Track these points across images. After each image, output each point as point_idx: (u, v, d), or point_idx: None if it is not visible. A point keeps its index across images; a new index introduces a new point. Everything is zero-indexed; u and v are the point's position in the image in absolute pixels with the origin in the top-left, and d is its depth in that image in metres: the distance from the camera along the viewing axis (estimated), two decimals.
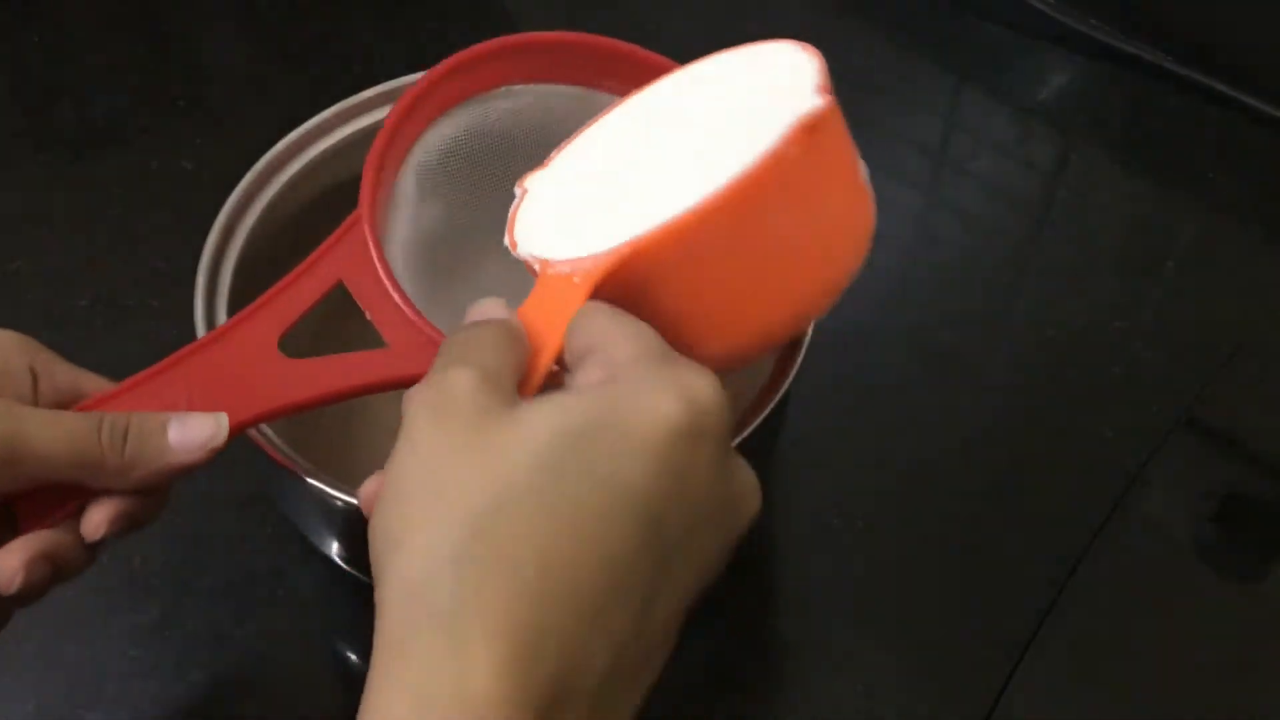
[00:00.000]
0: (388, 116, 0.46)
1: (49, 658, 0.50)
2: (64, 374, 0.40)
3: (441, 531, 0.28)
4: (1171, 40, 0.74)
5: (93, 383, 0.40)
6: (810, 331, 0.46)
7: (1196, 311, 0.63)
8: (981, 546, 0.54)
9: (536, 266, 0.36)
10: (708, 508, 0.30)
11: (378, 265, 0.42)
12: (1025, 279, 0.65)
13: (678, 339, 0.33)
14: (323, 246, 0.43)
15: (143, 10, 0.79)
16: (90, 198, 0.67)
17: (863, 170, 0.38)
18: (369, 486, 0.34)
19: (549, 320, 0.34)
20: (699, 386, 0.30)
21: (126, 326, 0.61)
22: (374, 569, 0.29)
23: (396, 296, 0.42)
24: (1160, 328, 0.62)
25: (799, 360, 0.45)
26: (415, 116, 0.47)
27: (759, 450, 0.53)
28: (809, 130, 0.33)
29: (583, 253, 0.35)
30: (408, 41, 0.76)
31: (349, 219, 0.44)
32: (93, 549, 0.38)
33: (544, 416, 0.29)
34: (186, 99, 0.73)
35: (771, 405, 0.44)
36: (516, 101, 0.50)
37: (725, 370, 0.33)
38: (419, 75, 0.54)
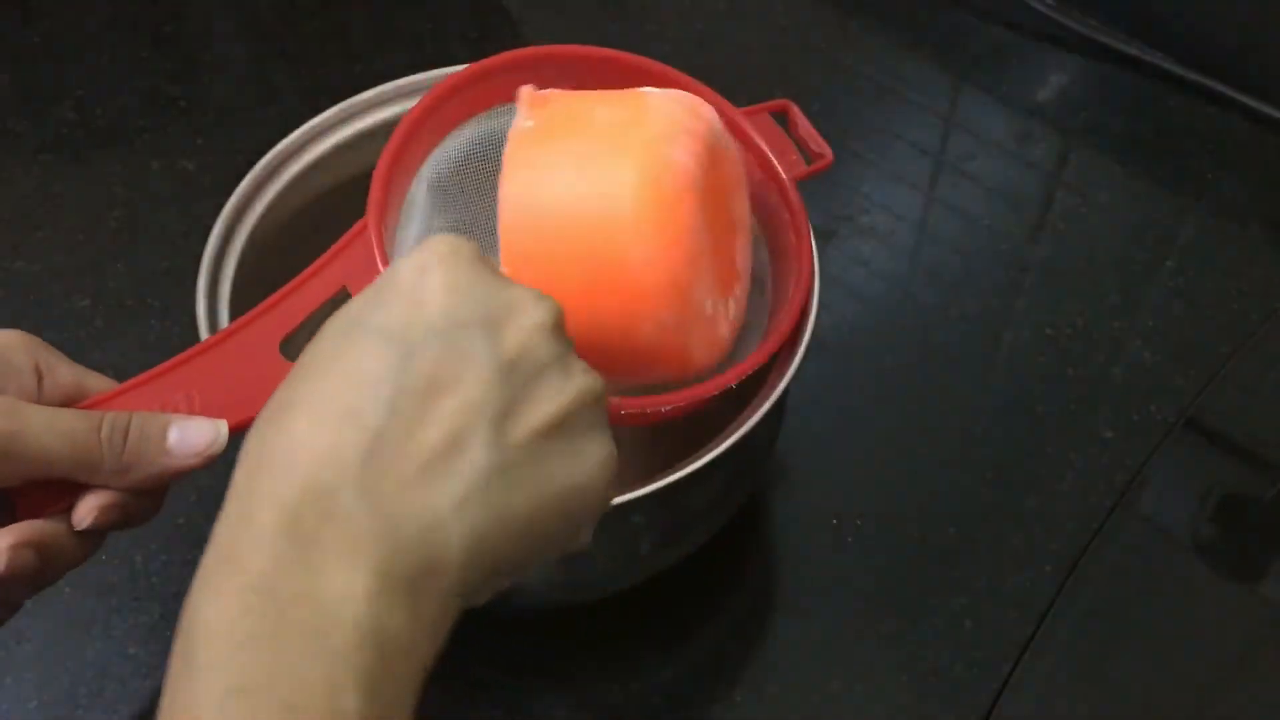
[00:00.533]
0: (397, 128, 0.46)
1: (49, 657, 0.50)
2: (68, 372, 0.40)
3: (263, 409, 0.32)
4: (1171, 40, 0.74)
5: (97, 381, 0.41)
6: (809, 331, 0.46)
7: (1196, 311, 0.63)
8: (981, 546, 0.54)
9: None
10: (459, 320, 0.32)
11: (381, 269, 0.43)
12: (1025, 279, 0.65)
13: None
14: (329, 252, 0.44)
15: (143, 10, 0.79)
16: (90, 198, 0.67)
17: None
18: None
19: None
20: (435, 239, 0.33)
21: (127, 326, 0.61)
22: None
23: None
24: (1160, 328, 0.62)
25: (798, 360, 0.45)
26: (428, 128, 0.47)
27: (758, 450, 0.53)
28: None
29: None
30: (408, 42, 0.76)
31: (355, 227, 0.44)
32: (86, 542, 0.38)
33: (336, 312, 0.33)
34: (186, 99, 0.73)
35: (770, 405, 0.44)
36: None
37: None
38: (420, 75, 0.54)
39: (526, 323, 0.32)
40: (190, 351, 0.41)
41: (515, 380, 0.32)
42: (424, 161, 0.48)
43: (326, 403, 0.31)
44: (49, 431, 0.37)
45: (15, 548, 0.36)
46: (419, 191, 0.48)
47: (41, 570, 0.37)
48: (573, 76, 0.47)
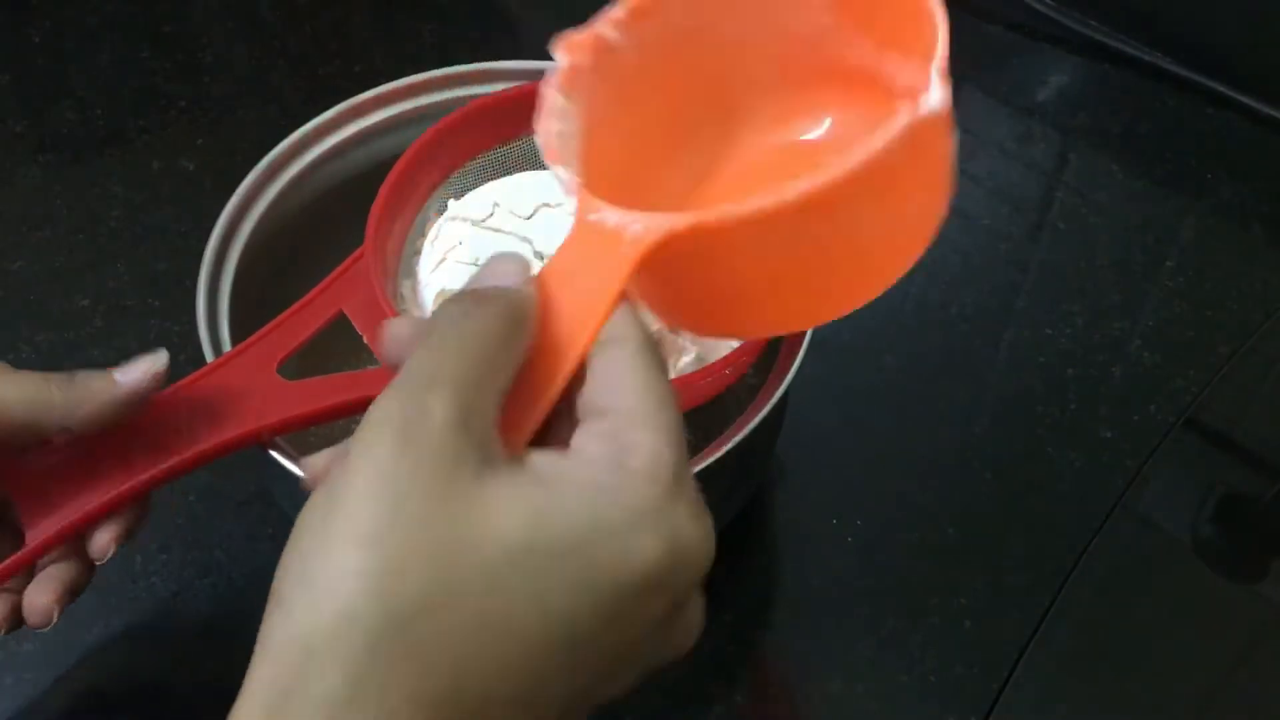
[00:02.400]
0: (398, 162, 0.48)
1: (49, 657, 0.50)
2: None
3: (366, 601, 0.25)
4: (1171, 40, 0.74)
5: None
6: (809, 332, 0.46)
7: (1196, 311, 0.63)
8: (981, 546, 0.54)
9: (574, 194, 0.30)
10: (642, 651, 0.29)
11: (379, 297, 0.44)
12: (1025, 279, 0.65)
13: (703, 315, 0.32)
14: (327, 279, 0.45)
15: (143, 10, 0.79)
16: (91, 198, 0.67)
17: (952, 159, 0.32)
18: (319, 461, 0.31)
19: (578, 295, 0.29)
20: (690, 537, 0.28)
21: (128, 326, 0.61)
22: (279, 578, 0.26)
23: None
24: (1160, 328, 0.62)
25: (798, 360, 0.45)
26: (430, 160, 0.49)
27: (758, 450, 0.53)
28: (920, 131, 0.29)
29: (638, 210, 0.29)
30: (408, 42, 0.76)
31: (353, 254, 0.46)
32: (92, 567, 0.41)
33: (515, 518, 0.26)
34: (186, 99, 0.73)
35: (770, 405, 0.44)
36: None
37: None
38: (420, 76, 0.54)
39: (687, 646, 0.30)
40: (193, 376, 0.42)
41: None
42: (429, 195, 0.50)
43: (487, 703, 0.26)
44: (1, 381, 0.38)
45: (60, 600, 0.39)
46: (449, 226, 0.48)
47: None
48: None
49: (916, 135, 0.28)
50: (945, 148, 0.31)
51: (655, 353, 0.30)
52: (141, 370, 0.39)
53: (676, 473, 0.28)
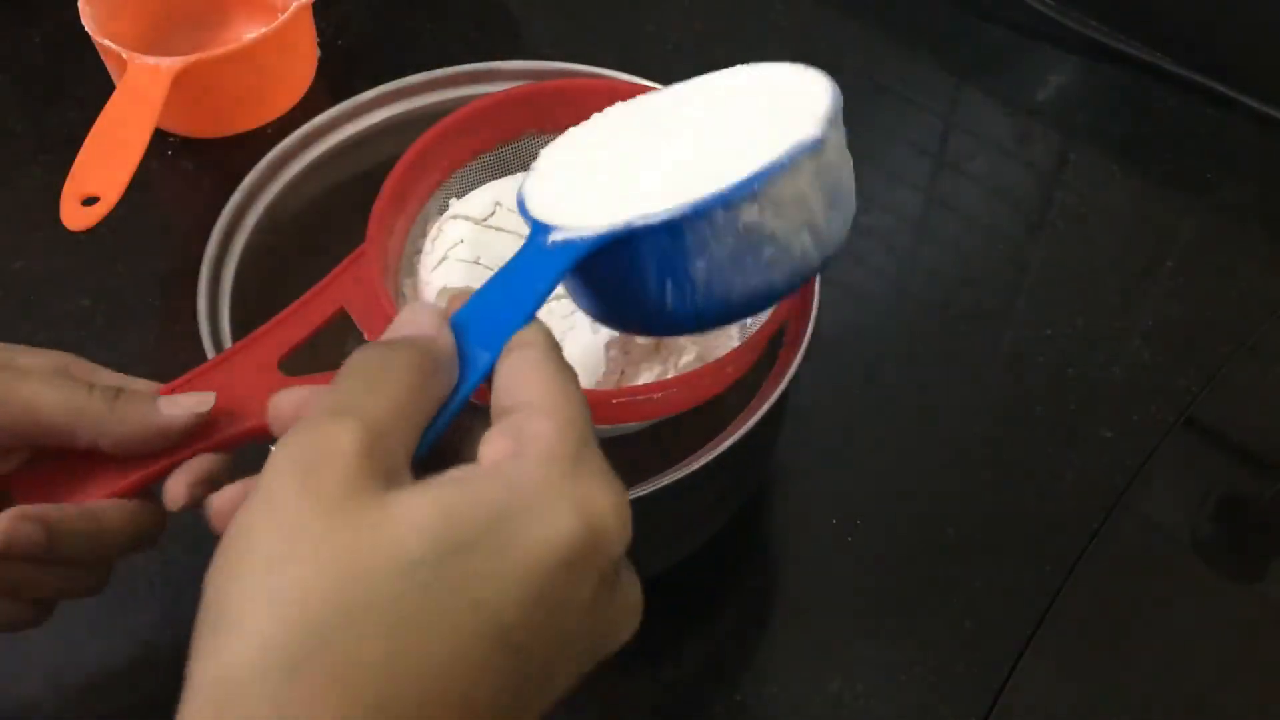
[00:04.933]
0: (398, 162, 0.48)
1: (49, 657, 0.50)
2: (106, 378, 0.41)
3: (281, 628, 0.25)
4: (1171, 40, 0.74)
5: (142, 387, 0.41)
6: (810, 331, 0.46)
7: (1196, 311, 0.63)
8: (981, 546, 0.54)
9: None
10: (580, 635, 0.28)
11: (380, 293, 0.44)
12: (1025, 279, 0.65)
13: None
14: (328, 276, 0.45)
15: None
16: None
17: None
18: (226, 495, 0.31)
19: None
20: (602, 508, 0.28)
21: (127, 326, 0.61)
22: (199, 619, 0.26)
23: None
24: (1160, 328, 0.62)
25: (798, 360, 0.45)
26: (431, 160, 0.49)
27: (758, 450, 0.53)
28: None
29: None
30: (408, 42, 0.76)
31: (354, 252, 0.45)
32: (96, 524, 0.38)
33: (423, 518, 0.26)
34: None
35: (770, 405, 0.44)
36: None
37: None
38: (420, 75, 0.54)
39: (630, 631, 0.30)
40: (193, 372, 0.42)
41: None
42: (431, 193, 0.50)
43: (425, 706, 0.25)
44: (39, 384, 0.37)
45: (18, 519, 0.36)
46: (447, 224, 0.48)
47: (49, 548, 0.37)
48: (580, 103, 0.48)
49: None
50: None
51: (559, 354, 0.32)
52: (186, 407, 0.38)
53: (577, 450, 0.29)
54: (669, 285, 0.35)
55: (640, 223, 0.34)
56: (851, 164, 0.38)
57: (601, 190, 0.37)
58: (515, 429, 0.29)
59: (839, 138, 0.36)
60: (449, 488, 0.27)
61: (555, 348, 0.32)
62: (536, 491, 0.27)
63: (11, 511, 0.37)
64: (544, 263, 0.35)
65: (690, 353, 0.47)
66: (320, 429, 0.28)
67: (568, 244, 0.35)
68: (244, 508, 0.27)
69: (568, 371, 0.31)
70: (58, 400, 0.37)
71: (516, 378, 0.31)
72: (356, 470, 0.27)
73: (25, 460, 0.39)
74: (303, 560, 0.25)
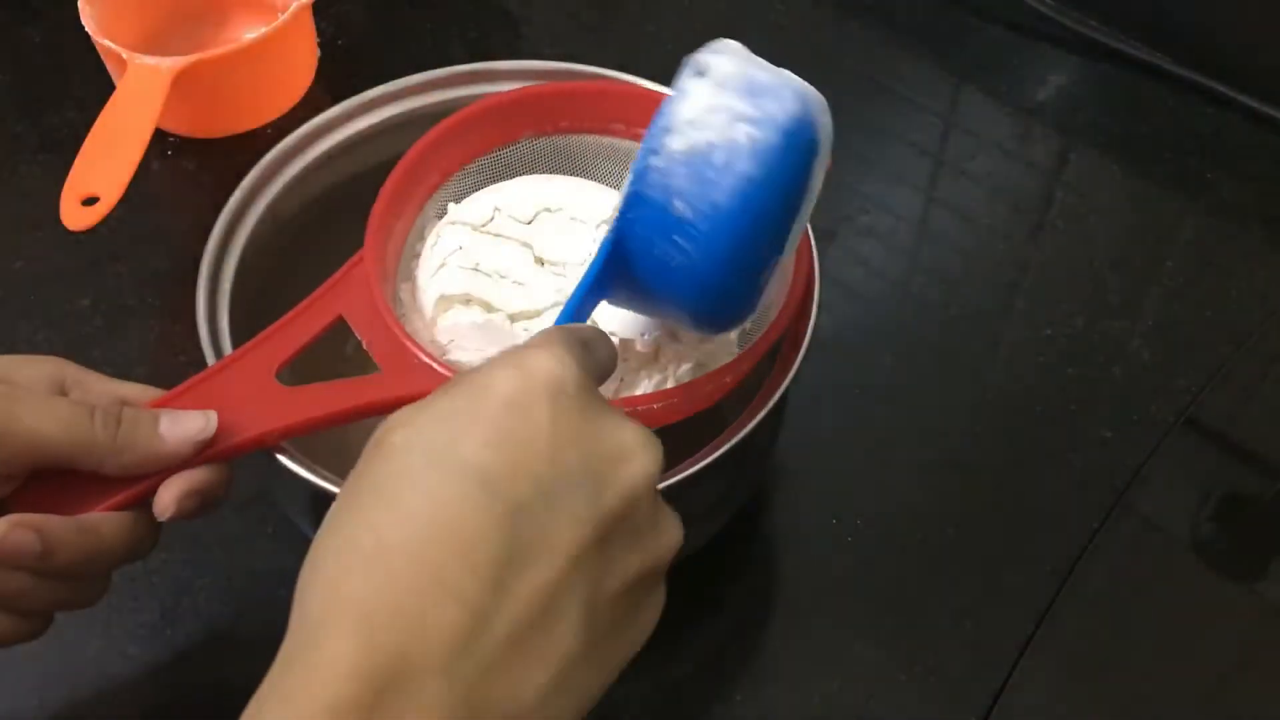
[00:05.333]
0: (397, 165, 0.48)
1: (49, 657, 0.50)
2: (101, 387, 0.41)
3: (328, 534, 0.30)
4: (1171, 40, 0.74)
5: (135, 392, 0.41)
6: (810, 331, 0.46)
7: (1196, 311, 0.63)
8: (981, 546, 0.54)
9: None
10: (566, 470, 0.29)
11: (378, 301, 0.44)
12: (1025, 279, 0.65)
13: None
14: (325, 284, 0.45)
15: None
16: None
17: None
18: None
19: None
20: (532, 357, 0.31)
21: (128, 326, 0.61)
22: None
23: (396, 330, 0.43)
24: (1160, 328, 0.62)
25: (798, 360, 0.45)
26: (429, 164, 0.49)
27: (758, 450, 0.53)
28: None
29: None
30: (408, 42, 0.76)
31: (352, 259, 0.45)
32: (91, 538, 0.39)
33: (405, 415, 0.31)
34: None
35: (770, 405, 0.44)
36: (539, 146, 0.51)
37: None
38: (420, 75, 0.54)
39: (633, 477, 0.30)
40: (190, 381, 0.42)
41: (613, 546, 0.30)
42: (428, 198, 0.50)
43: (418, 557, 0.28)
44: (42, 412, 0.37)
45: (14, 527, 0.36)
46: (443, 229, 0.48)
47: (45, 558, 0.37)
48: (580, 104, 0.48)
49: None
50: None
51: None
52: (188, 433, 0.39)
53: (515, 349, 0.32)
54: (675, 238, 0.37)
55: (616, 219, 0.38)
56: (765, 67, 0.40)
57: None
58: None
59: (733, 60, 0.39)
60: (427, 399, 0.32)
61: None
62: (476, 374, 0.31)
63: (8, 519, 0.37)
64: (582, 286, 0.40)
65: (690, 360, 0.47)
66: (554, 367, 0.32)
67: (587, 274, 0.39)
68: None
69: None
70: (61, 432, 0.37)
71: None
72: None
73: (25, 481, 0.39)
74: (346, 488, 0.31)
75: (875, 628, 0.52)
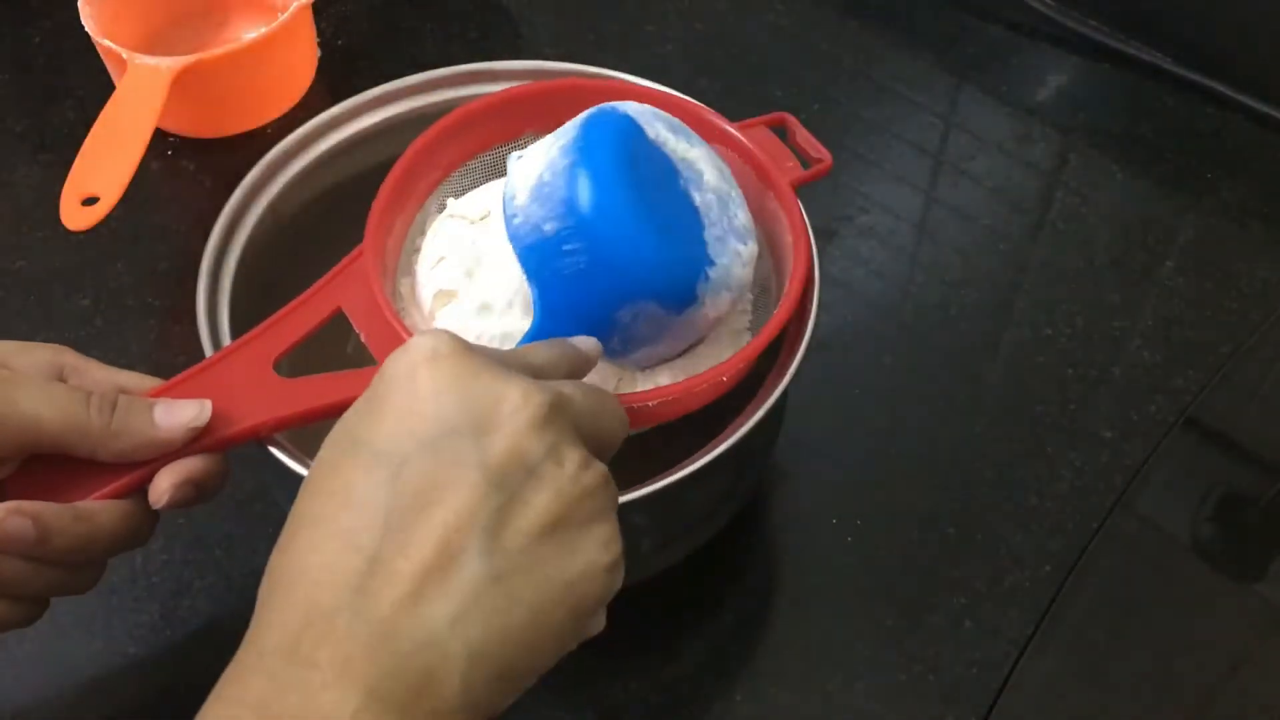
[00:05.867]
0: (397, 161, 0.48)
1: (49, 657, 0.50)
2: (100, 375, 0.41)
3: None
4: (1172, 40, 0.74)
5: (133, 381, 0.41)
6: (809, 331, 0.46)
7: (1196, 311, 0.63)
8: (981, 546, 0.54)
9: None
10: (446, 424, 0.32)
11: (378, 295, 0.44)
12: (1025, 279, 0.65)
13: None
14: (324, 277, 0.45)
15: None
16: None
17: None
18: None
19: None
20: (414, 339, 0.33)
21: (127, 326, 0.61)
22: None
23: (394, 322, 0.43)
24: (1160, 328, 0.62)
25: (797, 360, 0.45)
26: (429, 161, 0.49)
27: (758, 450, 0.53)
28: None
29: None
30: (408, 42, 0.76)
31: (352, 253, 0.46)
32: (86, 526, 0.39)
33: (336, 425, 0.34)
34: None
35: (770, 404, 0.44)
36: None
37: None
38: (420, 75, 0.54)
39: (516, 422, 0.32)
40: (188, 371, 0.42)
41: (508, 484, 0.31)
42: (430, 193, 0.50)
43: (324, 524, 0.31)
44: (38, 396, 0.38)
45: (10, 513, 0.37)
46: (440, 222, 0.48)
47: (41, 545, 0.37)
48: (580, 103, 0.48)
49: None
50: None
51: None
52: (183, 420, 0.39)
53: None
54: (569, 248, 0.42)
55: (532, 287, 0.43)
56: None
57: None
58: None
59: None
60: None
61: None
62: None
63: (4, 505, 0.37)
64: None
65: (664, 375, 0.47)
66: (430, 336, 0.34)
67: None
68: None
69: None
70: (56, 416, 0.38)
71: None
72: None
73: (20, 464, 0.39)
74: None
75: (875, 627, 0.52)
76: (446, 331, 0.34)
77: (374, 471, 0.31)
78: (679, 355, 0.47)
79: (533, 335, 0.43)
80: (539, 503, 0.32)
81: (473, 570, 0.30)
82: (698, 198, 0.44)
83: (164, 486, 0.39)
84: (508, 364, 0.34)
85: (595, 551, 0.33)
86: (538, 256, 0.42)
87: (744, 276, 0.45)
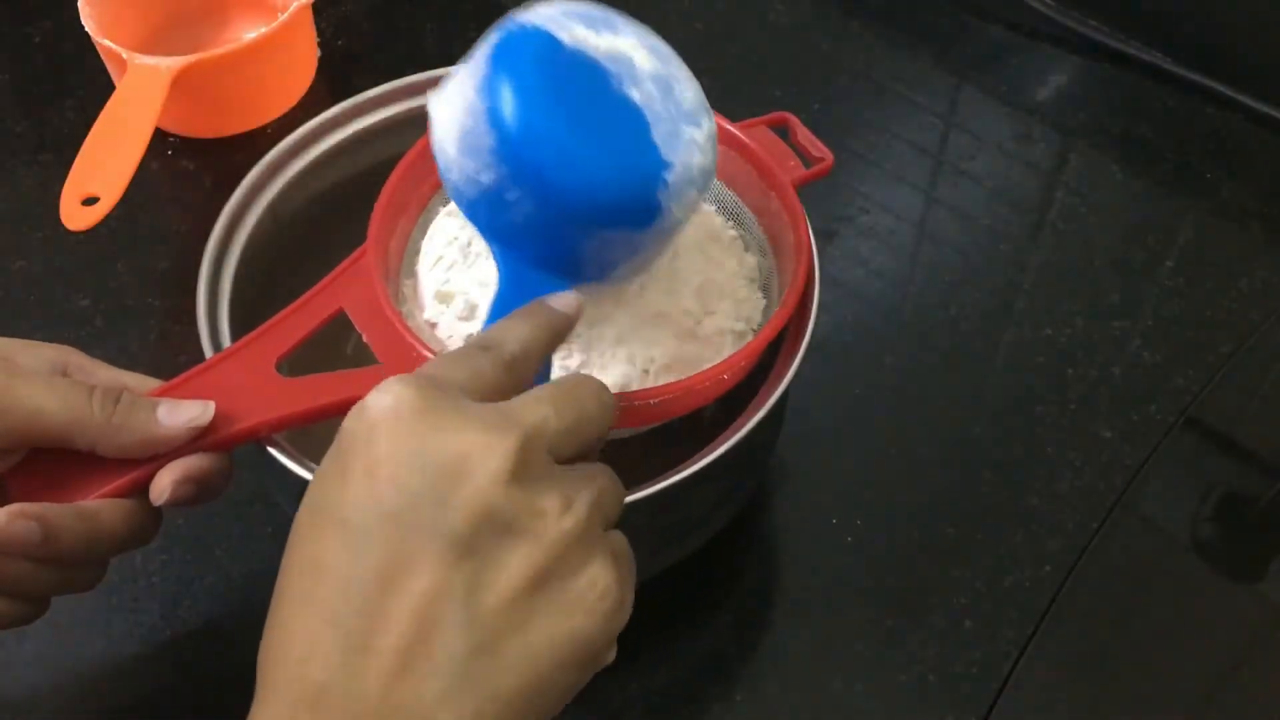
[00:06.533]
0: (401, 161, 0.48)
1: (49, 657, 0.50)
2: (105, 375, 0.41)
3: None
4: (1172, 40, 0.74)
5: (139, 383, 0.41)
6: (809, 331, 0.46)
7: (1196, 311, 0.63)
8: (981, 546, 0.54)
9: None
10: (409, 491, 0.30)
11: (380, 294, 0.44)
12: (1025, 279, 0.65)
13: None
14: (327, 277, 0.45)
15: None
16: None
17: None
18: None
19: None
20: (370, 398, 0.32)
21: (127, 326, 0.61)
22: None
23: (395, 321, 0.43)
24: (1160, 328, 0.62)
25: (798, 360, 0.45)
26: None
27: (758, 450, 0.53)
28: None
29: None
30: (408, 42, 0.76)
31: (354, 254, 0.46)
32: (90, 526, 0.39)
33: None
34: None
35: (770, 405, 0.44)
36: None
37: None
38: (420, 75, 0.54)
39: (480, 479, 0.30)
40: (191, 371, 0.42)
41: (479, 548, 0.30)
42: (434, 194, 0.50)
43: (302, 600, 0.31)
44: (40, 387, 0.38)
45: (15, 516, 0.37)
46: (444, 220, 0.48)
47: (45, 546, 0.37)
48: None
49: None
50: None
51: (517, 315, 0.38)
52: (185, 418, 0.39)
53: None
54: (510, 194, 0.39)
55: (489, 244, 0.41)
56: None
57: None
58: None
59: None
60: None
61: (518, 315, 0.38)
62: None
63: (9, 508, 0.37)
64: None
65: (667, 349, 0.46)
66: (390, 390, 0.33)
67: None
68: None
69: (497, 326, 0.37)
70: (59, 408, 0.38)
71: None
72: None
73: (22, 458, 0.39)
74: None
75: (875, 628, 0.52)
76: (408, 382, 0.32)
77: (342, 543, 0.30)
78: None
79: (501, 295, 0.41)
80: (516, 561, 0.30)
81: (454, 644, 0.29)
82: (636, 94, 0.40)
83: (165, 483, 0.39)
84: (480, 382, 0.33)
85: (591, 598, 0.31)
86: (485, 210, 0.40)
87: (706, 164, 0.42)
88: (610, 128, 0.39)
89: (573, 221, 0.39)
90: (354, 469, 0.31)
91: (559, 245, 0.40)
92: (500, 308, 0.40)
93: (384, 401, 0.31)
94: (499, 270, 0.41)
